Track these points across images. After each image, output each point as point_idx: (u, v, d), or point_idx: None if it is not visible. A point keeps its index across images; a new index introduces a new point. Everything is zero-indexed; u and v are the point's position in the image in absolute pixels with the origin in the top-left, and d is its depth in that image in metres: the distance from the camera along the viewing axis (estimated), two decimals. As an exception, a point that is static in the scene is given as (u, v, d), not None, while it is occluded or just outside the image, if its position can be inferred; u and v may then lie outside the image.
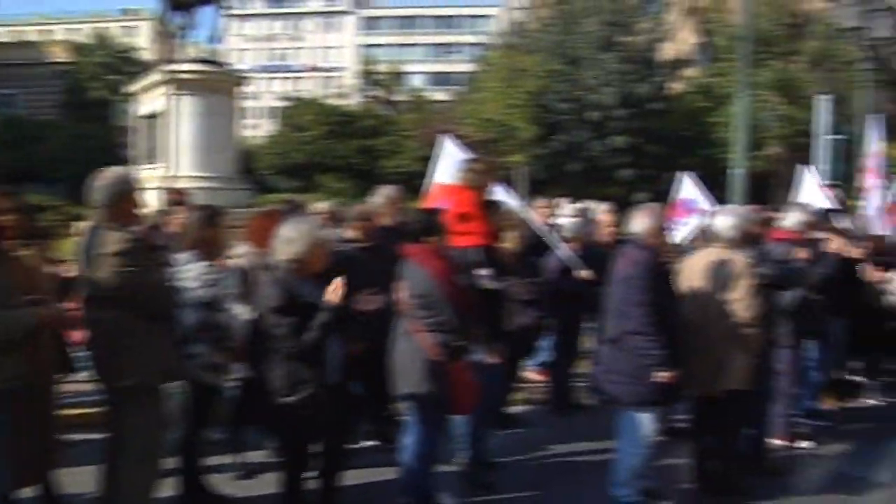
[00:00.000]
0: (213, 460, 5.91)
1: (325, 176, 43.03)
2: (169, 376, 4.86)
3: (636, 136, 32.10)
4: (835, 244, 7.43)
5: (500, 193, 7.81)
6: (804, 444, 7.32)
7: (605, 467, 6.09)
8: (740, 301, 5.79)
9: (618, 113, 31.72)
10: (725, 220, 6.10)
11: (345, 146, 43.75)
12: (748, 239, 6.18)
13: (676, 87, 35.16)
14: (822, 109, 11.58)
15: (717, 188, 13.88)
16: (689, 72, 35.76)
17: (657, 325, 5.38)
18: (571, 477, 6.54)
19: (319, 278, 4.80)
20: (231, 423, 5.99)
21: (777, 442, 6.98)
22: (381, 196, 7.29)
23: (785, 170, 32.00)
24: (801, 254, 6.88)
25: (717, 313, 5.82)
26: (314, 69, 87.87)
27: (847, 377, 8.95)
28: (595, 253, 8.28)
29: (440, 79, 75.99)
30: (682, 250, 7.42)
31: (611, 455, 6.15)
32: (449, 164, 7.70)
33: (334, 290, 4.69)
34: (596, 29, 32.35)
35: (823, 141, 11.96)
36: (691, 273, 6.02)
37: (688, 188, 13.12)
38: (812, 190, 11.28)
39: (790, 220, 7.37)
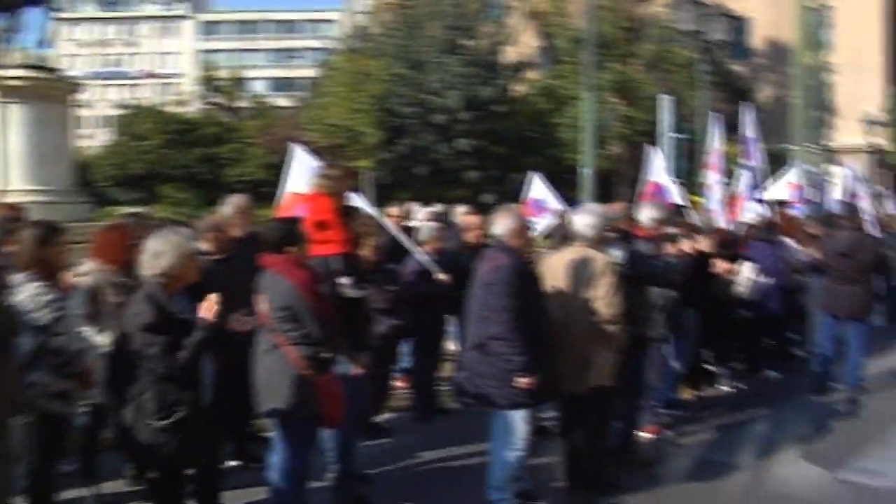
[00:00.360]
0: (67, 494, 5.50)
1: (167, 186, 41.66)
2: (13, 408, 4.44)
3: (481, 139, 32.48)
4: (687, 239, 7.62)
5: (355, 199, 7.64)
6: (667, 434, 7.47)
7: (476, 471, 6.05)
8: (602, 299, 5.82)
9: (462, 116, 32.00)
10: (585, 219, 6.12)
11: (186, 155, 42.48)
12: (618, 236, 6.26)
13: (519, 89, 35.81)
14: (665, 109, 11.97)
15: (562, 187, 14.14)
16: (532, 74, 36.48)
17: (520, 330, 5.34)
18: (444, 483, 6.46)
19: (189, 293, 4.53)
20: (83, 453, 5.58)
21: (643, 434, 7.09)
22: (231, 206, 6.97)
23: (626, 168, 33.17)
24: (670, 249, 7.01)
25: (580, 312, 5.84)
26: (151, 75, 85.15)
27: (702, 367, 9.23)
28: (452, 256, 8.26)
29: (283, 84, 75.08)
30: (540, 250, 7.45)
31: (481, 458, 6.14)
32: (301, 172, 7.48)
33: (208, 308, 4.46)
34: (439, 33, 32.54)
35: (667, 139, 12.38)
36: (552, 272, 6.02)
37: (537, 188, 13.33)
38: (660, 170, 11.65)
39: (643, 216, 7.49)
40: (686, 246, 7.41)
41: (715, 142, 12.64)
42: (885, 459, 6.92)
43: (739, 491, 6.35)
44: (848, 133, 32.66)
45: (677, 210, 8.96)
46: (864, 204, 16.05)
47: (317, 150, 12.51)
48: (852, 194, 17.26)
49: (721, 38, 14.71)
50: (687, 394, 8.82)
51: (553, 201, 13.16)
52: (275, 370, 5.02)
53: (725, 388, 9.34)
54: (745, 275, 9.30)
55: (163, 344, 4.33)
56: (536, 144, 33.17)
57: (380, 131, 32.41)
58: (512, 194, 35.89)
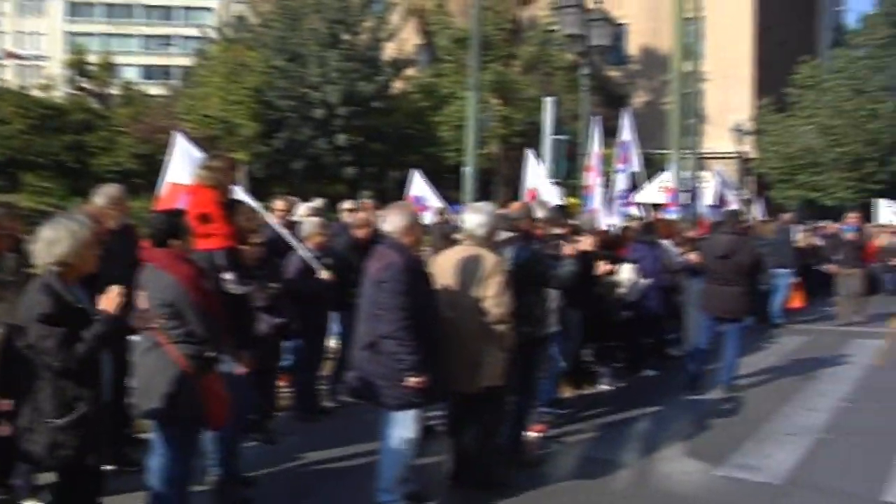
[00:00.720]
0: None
1: (30, 174, 39.72)
2: None
3: (360, 135, 32.29)
4: (574, 240, 7.67)
5: (239, 192, 7.38)
6: (551, 432, 7.52)
7: (363, 472, 5.97)
8: (492, 298, 5.78)
9: (341, 111, 31.72)
10: (476, 218, 6.07)
11: (52, 142, 40.51)
12: (518, 236, 6.27)
13: (399, 86, 35.76)
14: (549, 111, 12.11)
15: (441, 186, 14.18)
16: (411, 71, 36.48)
17: (411, 329, 5.23)
18: (331, 485, 6.32)
19: (86, 283, 4.29)
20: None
21: (530, 433, 7.10)
22: (104, 196, 6.59)
23: (504, 169, 33.56)
24: (568, 250, 7.03)
25: (470, 311, 5.78)
26: (13, 56, 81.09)
27: (583, 366, 9.34)
28: (336, 252, 8.17)
29: (156, 72, 72.93)
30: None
31: (366, 459, 6.09)
32: (183, 161, 7.20)
33: (110, 300, 4.22)
34: (320, 26, 32.13)
35: (549, 141, 12.54)
36: (442, 271, 5.94)
37: (418, 185, 13.31)
38: (537, 174, 11.77)
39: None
40: (572, 246, 7.47)
41: (595, 145, 12.86)
42: (761, 455, 7.13)
43: (625, 487, 6.41)
44: (717, 140, 33.94)
45: (560, 211, 9.04)
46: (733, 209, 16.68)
47: (195, 142, 12.09)
48: (721, 199, 17.95)
49: (603, 43, 14.97)
50: (568, 392, 8.91)
51: (433, 199, 13.19)
52: (155, 369, 4.77)
53: (605, 387, 9.49)
54: (626, 276, 9.48)
55: (60, 336, 4.04)
56: (415, 142, 33.21)
57: (257, 124, 31.80)
58: (390, 191, 35.90)
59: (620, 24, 31.12)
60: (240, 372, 5.60)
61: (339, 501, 6.03)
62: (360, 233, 8.60)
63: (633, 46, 39.42)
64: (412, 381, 5.23)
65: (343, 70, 31.51)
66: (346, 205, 10.61)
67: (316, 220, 8.71)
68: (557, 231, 7.86)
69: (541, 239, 7.15)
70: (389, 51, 34.68)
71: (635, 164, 13.38)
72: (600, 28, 14.67)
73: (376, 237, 9.15)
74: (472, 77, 13.75)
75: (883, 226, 25.24)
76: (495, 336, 5.80)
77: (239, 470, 5.91)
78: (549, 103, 12.30)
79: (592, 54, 15.77)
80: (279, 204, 9.29)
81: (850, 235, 15.65)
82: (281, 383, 8.43)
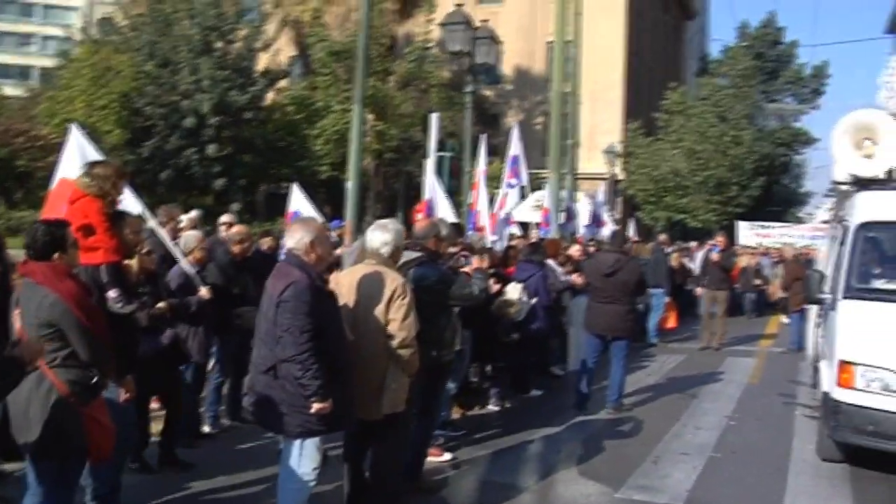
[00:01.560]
0: None
1: None
2: None
3: (230, 146, 31.49)
4: (475, 258, 7.55)
5: (125, 202, 6.90)
6: (447, 455, 7.33)
7: (251, 501, 5.79)
8: (396, 321, 5.52)
9: (212, 120, 30.85)
10: (380, 236, 5.82)
11: None
12: (425, 256, 6.10)
13: (272, 97, 35.11)
14: (434, 127, 11.99)
15: (313, 200, 13.84)
16: (285, 83, 35.89)
17: (314, 352, 4.91)
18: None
19: None
20: None
21: (428, 458, 6.89)
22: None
23: (378, 184, 33.42)
24: (476, 263, 6.89)
25: (373, 334, 5.51)
26: None
27: (472, 386, 9.23)
28: (214, 269, 7.86)
29: (12, 71, 69.65)
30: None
31: (256, 487, 5.92)
32: (78, 157, 6.79)
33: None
34: (193, 32, 31.15)
35: (433, 157, 12.41)
36: (343, 291, 5.67)
37: (297, 199, 12.99)
38: (431, 187, 11.64)
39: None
40: (473, 261, 7.36)
41: (480, 162, 12.83)
42: (658, 476, 7.14)
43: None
44: (589, 161, 34.60)
45: (456, 228, 8.92)
46: (607, 229, 17.04)
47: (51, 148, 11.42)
48: (596, 219, 18.27)
49: (487, 61, 15.02)
50: (457, 413, 8.76)
51: (312, 213, 12.87)
52: (32, 397, 4.31)
53: (494, 407, 9.40)
54: (515, 295, 9.41)
55: None
56: (288, 155, 32.66)
57: (123, 131, 30.55)
58: (260, 204, 35.00)
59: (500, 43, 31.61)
60: (124, 399, 5.20)
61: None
62: (237, 248, 8.22)
63: (506, 66, 39.89)
64: (316, 406, 4.93)
65: (215, 79, 30.63)
66: (224, 218, 10.20)
67: (196, 233, 8.28)
68: (453, 249, 7.71)
69: (443, 257, 6.97)
70: (263, 61, 33.97)
71: (524, 179, 13.49)
72: (486, 46, 14.70)
73: (258, 254, 8.83)
74: (357, 89, 13.50)
75: (745, 247, 26.35)
76: (400, 360, 5.55)
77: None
78: (433, 119, 12.16)
79: (477, 72, 15.79)
80: (163, 216, 8.82)
81: (715, 256, 16.05)
82: (155, 405, 7.96)
